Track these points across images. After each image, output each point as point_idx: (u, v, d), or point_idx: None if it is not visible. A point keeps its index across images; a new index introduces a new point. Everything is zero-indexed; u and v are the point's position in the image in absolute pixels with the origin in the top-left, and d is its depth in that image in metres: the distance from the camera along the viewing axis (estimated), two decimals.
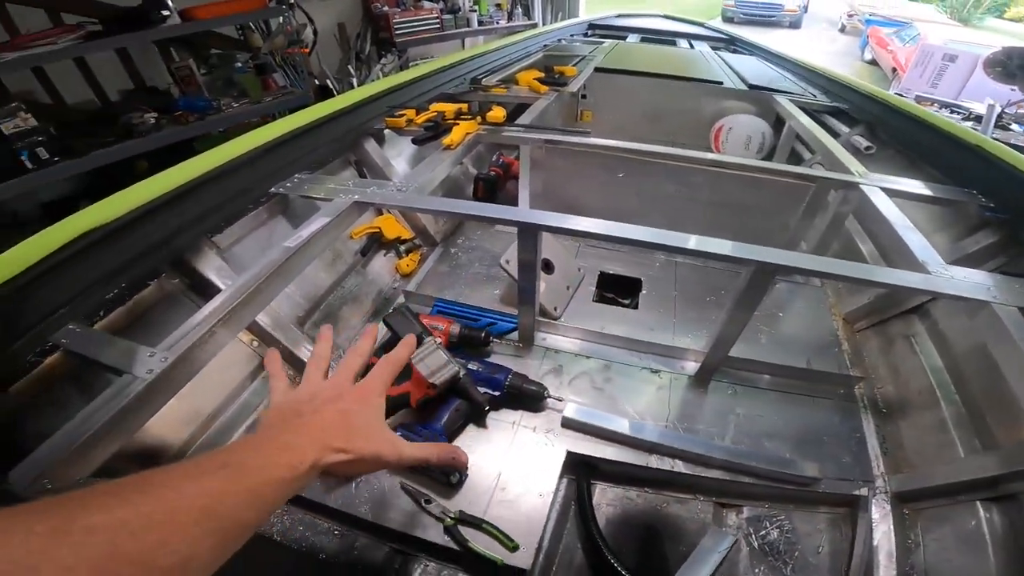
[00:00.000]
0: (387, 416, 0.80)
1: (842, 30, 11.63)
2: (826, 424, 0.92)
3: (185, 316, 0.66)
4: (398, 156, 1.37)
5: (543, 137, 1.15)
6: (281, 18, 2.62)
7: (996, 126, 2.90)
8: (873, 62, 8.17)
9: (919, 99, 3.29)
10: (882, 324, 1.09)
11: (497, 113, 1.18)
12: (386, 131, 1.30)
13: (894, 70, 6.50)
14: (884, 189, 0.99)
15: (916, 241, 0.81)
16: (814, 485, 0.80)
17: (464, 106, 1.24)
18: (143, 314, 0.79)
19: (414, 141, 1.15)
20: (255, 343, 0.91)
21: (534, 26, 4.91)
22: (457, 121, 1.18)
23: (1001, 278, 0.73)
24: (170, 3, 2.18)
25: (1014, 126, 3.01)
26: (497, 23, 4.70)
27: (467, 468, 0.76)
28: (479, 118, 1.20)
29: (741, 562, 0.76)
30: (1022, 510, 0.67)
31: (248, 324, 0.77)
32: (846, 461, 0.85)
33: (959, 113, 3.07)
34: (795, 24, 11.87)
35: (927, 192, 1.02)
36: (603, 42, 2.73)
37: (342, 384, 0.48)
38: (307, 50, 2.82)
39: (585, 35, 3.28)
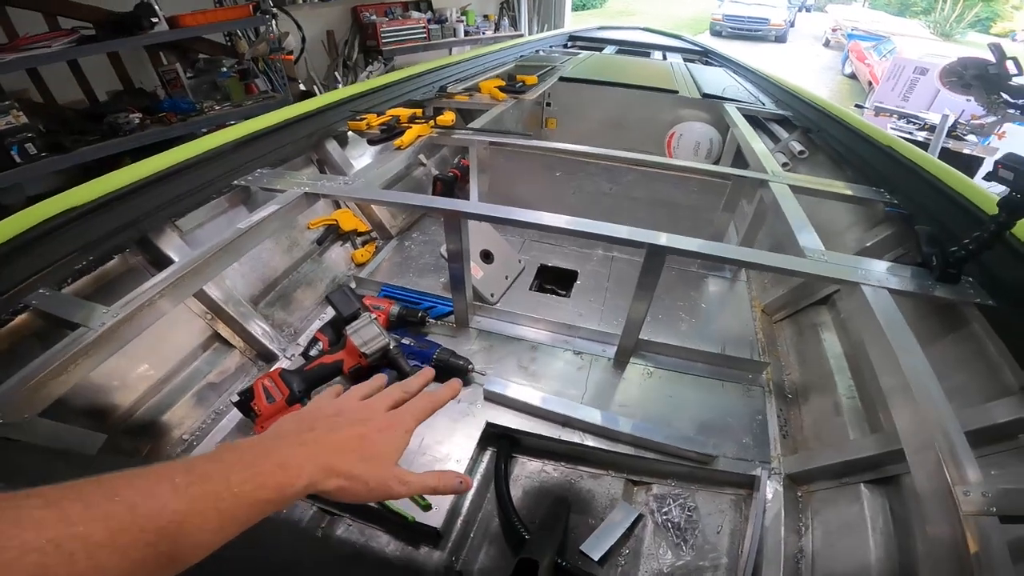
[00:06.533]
0: (320, 384, 0.90)
1: (826, 44, 11.88)
2: (732, 406, 0.97)
3: None
4: (359, 156, 1.47)
5: (488, 139, 1.25)
6: (264, 26, 2.74)
7: (950, 136, 3.01)
8: (853, 76, 8.39)
9: (878, 110, 3.42)
10: (796, 315, 1.18)
11: (447, 117, 1.28)
12: (349, 133, 1.40)
13: (870, 83, 6.70)
14: (792, 187, 1.09)
15: (803, 230, 0.89)
16: (712, 463, 0.85)
17: (419, 111, 1.35)
18: (107, 284, 0.89)
19: (369, 142, 1.25)
20: (209, 316, 0.99)
21: (520, 37, 5.04)
22: (410, 124, 1.28)
23: (876, 262, 0.79)
24: (159, 10, 2.28)
25: (970, 136, 3.14)
26: (483, 34, 4.85)
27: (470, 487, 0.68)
28: (432, 121, 1.30)
29: (646, 538, 0.79)
30: (899, 492, 0.71)
31: (195, 292, 0.86)
32: (746, 442, 0.90)
33: (915, 123, 3.19)
34: (781, 39, 12.11)
35: (836, 190, 1.11)
36: (579, 53, 2.84)
37: (374, 409, 0.46)
38: (291, 56, 2.93)
39: (564, 46, 3.37)
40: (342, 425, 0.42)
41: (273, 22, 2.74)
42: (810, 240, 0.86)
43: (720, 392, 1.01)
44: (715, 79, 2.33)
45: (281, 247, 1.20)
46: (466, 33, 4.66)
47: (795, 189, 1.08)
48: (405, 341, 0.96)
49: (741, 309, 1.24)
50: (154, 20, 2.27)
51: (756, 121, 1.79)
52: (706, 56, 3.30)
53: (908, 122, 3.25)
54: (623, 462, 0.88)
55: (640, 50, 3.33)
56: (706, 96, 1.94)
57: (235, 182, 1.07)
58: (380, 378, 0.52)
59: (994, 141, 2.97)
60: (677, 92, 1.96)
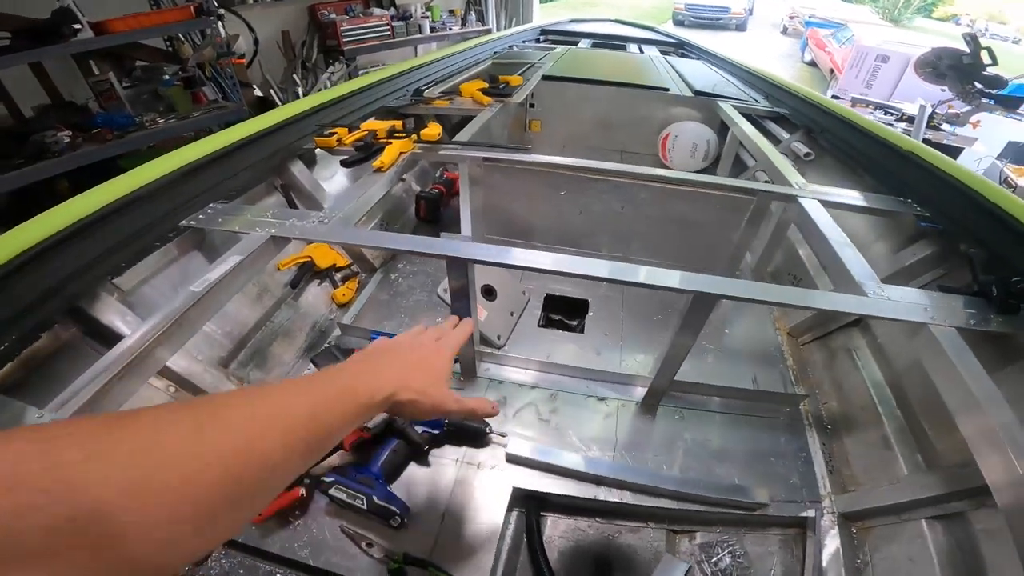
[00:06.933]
0: (320, 461, 0.75)
1: (784, 32, 12.12)
2: (773, 444, 0.91)
3: (86, 367, 0.59)
4: (330, 179, 1.29)
5: (481, 154, 1.10)
6: (209, 29, 2.47)
7: (927, 126, 3.05)
8: (813, 63, 8.55)
9: (855, 101, 3.43)
10: (825, 338, 1.10)
11: (432, 130, 1.12)
12: (317, 151, 1.22)
13: (831, 71, 6.83)
14: (822, 201, 0.98)
15: (853, 259, 0.79)
16: (763, 509, 0.80)
17: (398, 123, 1.18)
18: (39, 367, 0.70)
19: (343, 163, 1.08)
20: (172, 388, 0.82)
21: (488, 32, 4.87)
22: (390, 140, 1.12)
23: (937, 296, 0.71)
24: (81, 16, 2.01)
25: (945, 126, 3.17)
26: (450, 29, 4.64)
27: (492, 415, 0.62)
28: (414, 136, 1.14)
29: None
30: (966, 528, 0.67)
31: (150, 377, 0.70)
32: (793, 482, 0.85)
33: (892, 114, 3.21)
34: (741, 27, 12.31)
35: (863, 203, 1.01)
36: (554, 48, 2.71)
37: (422, 341, 0.55)
38: (243, 60, 2.67)
39: (537, 41, 3.25)
40: (404, 350, 0.51)
41: (220, 24, 2.47)
42: (864, 272, 0.76)
43: (758, 429, 0.94)
44: (700, 74, 2.24)
45: (249, 296, 1.02)
46: (432, 29, 4.45)
47: (825, 204, 0.98)
48: None
49: (765, 333, 1.14)
50: (76, 27, 1.98)
51: (751, 120, 1.70)
52: (682, 48, 3.23)
53: (886, 113, 3.26)
54: (663, 513, 0.81)
55: (616, 43, 3.24)
56: (698, 93, 1.83)
57: (183, 223, 0.88)
58: (421, 328, 0.59)
59: (969, 130, 3.00)
60: (668, 90, 1.85)
